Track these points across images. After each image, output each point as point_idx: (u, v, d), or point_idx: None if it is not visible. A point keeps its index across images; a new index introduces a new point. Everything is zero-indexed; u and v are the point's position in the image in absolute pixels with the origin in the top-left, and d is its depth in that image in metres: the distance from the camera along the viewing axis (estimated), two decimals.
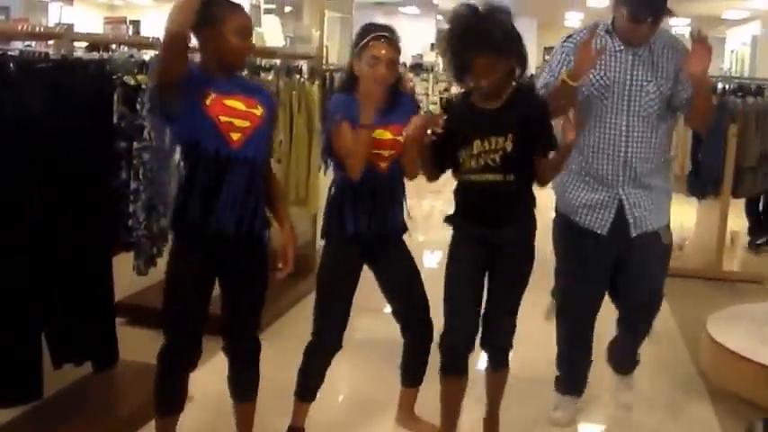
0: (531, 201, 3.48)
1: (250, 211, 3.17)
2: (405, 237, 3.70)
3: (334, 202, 3.56)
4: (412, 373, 3.86)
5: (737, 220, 7.78)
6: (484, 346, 3.61)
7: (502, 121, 3.32)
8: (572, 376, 4.11)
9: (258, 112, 3.21)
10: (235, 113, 3.13)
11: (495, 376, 3.72)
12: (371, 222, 3.50)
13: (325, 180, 3.68)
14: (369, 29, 3.46)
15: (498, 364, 3.67)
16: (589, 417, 4.23)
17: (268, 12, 7.31)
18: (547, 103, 3.41)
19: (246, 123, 3.15)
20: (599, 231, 3.68)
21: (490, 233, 3.44)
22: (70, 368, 3.73)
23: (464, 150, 3.36)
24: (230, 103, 3.13)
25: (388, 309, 3.78)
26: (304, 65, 6.64)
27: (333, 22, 8.33)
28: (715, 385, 4.34)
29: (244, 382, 3.47)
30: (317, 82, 6.48)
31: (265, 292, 3.40)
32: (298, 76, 6.28)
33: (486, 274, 3.51)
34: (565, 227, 3.82)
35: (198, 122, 3.09)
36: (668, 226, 3.79)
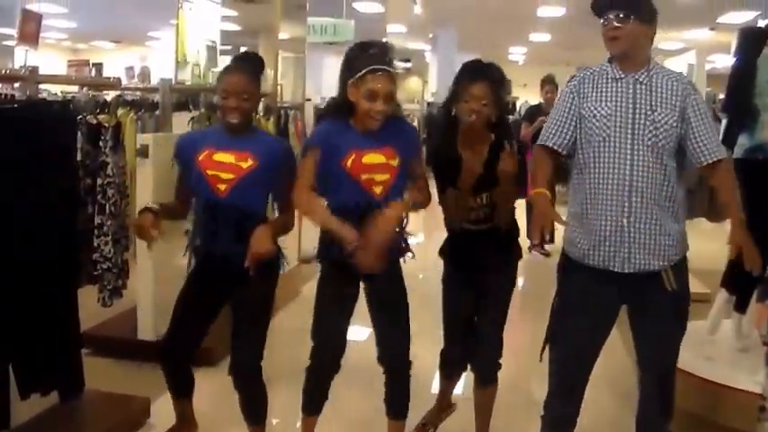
0: (515, 229, 3.63)
1: (237, 250, 3.26)
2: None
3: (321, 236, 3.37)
4: (391, 406, 3.56)
5: None
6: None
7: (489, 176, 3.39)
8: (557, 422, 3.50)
9: (246, 164, 3.31)
10: (221, 167, 3.30)
11: (484, 392, 3.74)
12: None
13: None
14: (365, 57, 3.15)
15: (487, 380, 3.71)
16: None
17: (224, 53, 7.26)
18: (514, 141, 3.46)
19: (231, 176, 3.29)
20: (591, 264, 3.15)
21: (480, 259, 3.54)
22: (37, 398, 3.62)
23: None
24: (219, 157, 3.31)
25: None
26: (259, 102, 6.61)
27: (286, 61, 8.31)
28: None
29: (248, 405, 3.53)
30: (271, 118, 6.46)
31: (263, 318, 3.47)
32: (254, 113, 6.24)
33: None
34: (564, 265, 3.31)
35: (193, 175, 3.34)
36: (676, 269, 3.14)
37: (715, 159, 3.07)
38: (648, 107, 3.05)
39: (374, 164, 3.22)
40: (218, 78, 3.38)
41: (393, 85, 3.16)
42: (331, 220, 3.17)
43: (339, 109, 3.28)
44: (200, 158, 3.32)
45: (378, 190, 3.21)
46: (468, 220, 3.47)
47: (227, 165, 3.30)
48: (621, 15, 3.02)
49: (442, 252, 3.67)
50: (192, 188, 3.40)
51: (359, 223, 3.14)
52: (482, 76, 3.37)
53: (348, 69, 3.18)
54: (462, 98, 3.35)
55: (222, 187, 3.29)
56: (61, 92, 4.60)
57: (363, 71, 3.10)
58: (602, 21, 3.08)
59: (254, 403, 3.51)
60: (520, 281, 7.79)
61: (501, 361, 3.67)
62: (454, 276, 3.65)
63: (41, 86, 3.90)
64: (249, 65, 3.36)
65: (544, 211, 2.99)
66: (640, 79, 3.08)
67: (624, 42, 3.06)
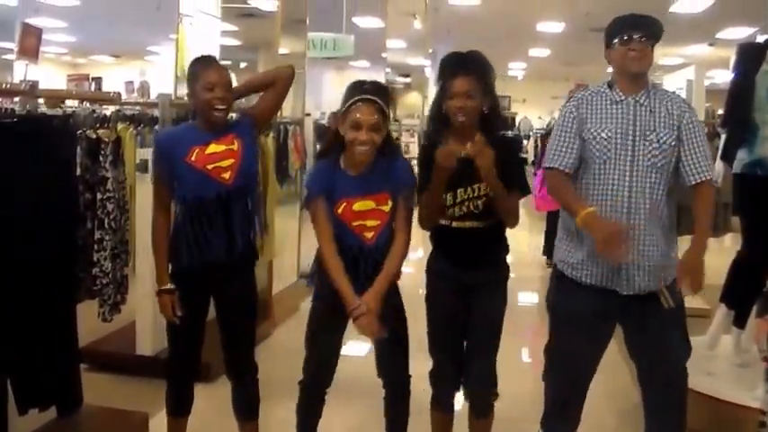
0: (504, 245, 3.48)
1: (240, 235, 3.38)
2: None
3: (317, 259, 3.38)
4: (391, 423, 3.56)
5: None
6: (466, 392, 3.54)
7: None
8: None
9: (236, 146, 3.36)
10: (218, 157, 3.31)
11: (478, 424, 3.57)
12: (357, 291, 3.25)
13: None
14: (354, 90, 3.20)
15: (481, 411, 3.54)
16: None
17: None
18: (518, 144, 3.35)
19: (231, 161, 3.33)
20: (589, 282, 3.17)
21: (467, 276, 3.37)
22: (35, 413, 3.60)
23: (447, 198, 3.30)
24: (210, 150, 3.32)
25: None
26: None
27: None
28: None
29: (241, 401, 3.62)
30: (271, 134, 6.46)
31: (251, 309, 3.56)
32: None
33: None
34: (558, 281, 3.32)
35: (184, 178, 3.32)
36: (670, 288, 3.14)
37: (699, 180, 3.12)
38: (648, 128, 3.09)
39: (365, 210, 3.26)
40: (191, 77, 3.33)
41: (379, 116, 3.16)
42: (342, 283, 3.20)
43: (329, 148, 3.34)
44: (193, 159, 3.30)
45: (369, 235, 3.26)
46: (455, 216, 3.32)
47: (221, 153, 3.32)
48: (645, 37, 3.08)
49: (428, 266, 3.53)
50: (187, 192, 3.34)
51: (352, 265, 3.24)
52: (463, 68, 3.28)
53: (341, 106, 3.23)
54: (447, 95, 3.28)
55: (227, 175, 3.31)
56: (60, 106, 4.60)
57: (350, 101, 3.16)
58: (618, 39, 3.11)
59: (249, 397, 3.59)
60: (531, 296, 7.80)
61: (499, 390, 3.51)
62: (439, 286, 3.48)
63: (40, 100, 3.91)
64: (215, 59, 3.43)
65: (611, 229, 2.98)
66: (641, 101, 3.13)
67: (647, 62, 3.12)
